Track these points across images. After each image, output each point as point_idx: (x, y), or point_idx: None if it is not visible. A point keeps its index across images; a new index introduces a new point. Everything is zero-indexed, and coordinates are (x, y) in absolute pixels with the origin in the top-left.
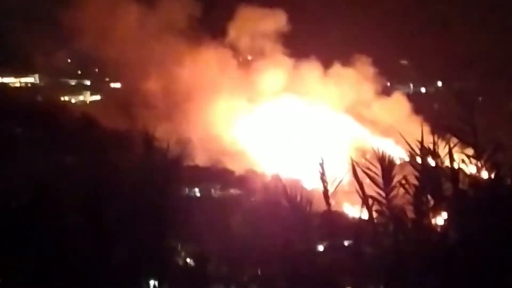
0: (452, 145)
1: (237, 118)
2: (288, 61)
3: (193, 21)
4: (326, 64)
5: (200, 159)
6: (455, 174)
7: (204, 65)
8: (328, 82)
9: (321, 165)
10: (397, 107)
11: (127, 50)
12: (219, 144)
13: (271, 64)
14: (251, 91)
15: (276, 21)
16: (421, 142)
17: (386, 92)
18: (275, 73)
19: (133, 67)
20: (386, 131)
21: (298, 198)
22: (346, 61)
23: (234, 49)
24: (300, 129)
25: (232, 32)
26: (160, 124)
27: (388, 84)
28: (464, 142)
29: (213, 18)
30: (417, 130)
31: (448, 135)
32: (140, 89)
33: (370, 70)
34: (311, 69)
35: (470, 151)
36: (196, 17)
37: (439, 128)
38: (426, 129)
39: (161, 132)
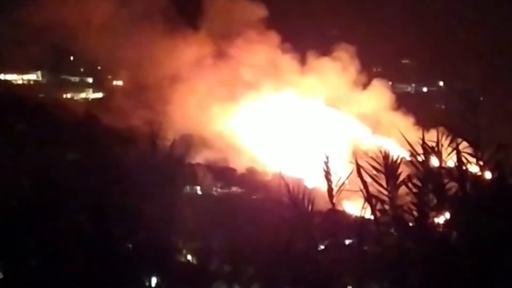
0: (455, 144)
1: (236, 115)
2: (270, 53)
3: (171, 12)
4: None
5: (202, 157)
6: (460, 173)
7: (183, 57)
8: (305, 73)
9: (326, 163)
10: (375, 99)
11: (104, 43)
12: (220, 141)
13: (257, 56)
14: (240, 85)
15: (254, 12)
16: (423, 141)
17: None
18: (260, 65)
19: (112, 60)
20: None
21: (300, 196)
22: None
23: (212, 40)
24: (301, 127)
25: (206, 23)
26: (162, 121)
27: (390, 83)
28: (467, 141)
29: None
30: (399, 122)
31: (451, 135)
32: (136, 85)
33: (352, 60)
34: (291, 62)
35: (472, 150)
36: (174, 8)
37: (442, 127)
38: (411, 121)
39: (163, 129)
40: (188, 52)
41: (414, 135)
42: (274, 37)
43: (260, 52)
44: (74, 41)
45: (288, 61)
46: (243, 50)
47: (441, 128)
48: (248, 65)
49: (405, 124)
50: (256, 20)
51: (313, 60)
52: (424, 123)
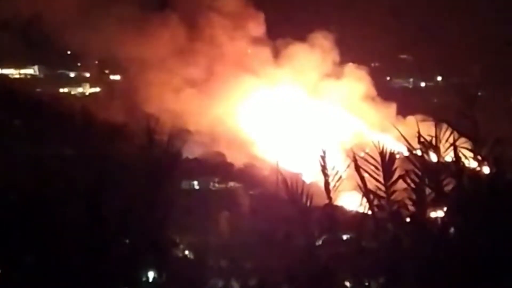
0: (453, 139)
1: (233, 109)
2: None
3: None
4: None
5: (199, 152)
6: (458, 168)
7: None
8: (280, 62)
9: (323, 157)
10: (350, 87)
11: (76, 30)
12: (217, 135)
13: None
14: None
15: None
16: (419, 135)
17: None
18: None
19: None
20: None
21: (299, 191)
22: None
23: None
24: (298, 121)
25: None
26: (158, 115)
27: (388, 78)
28: (465, 136)
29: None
30: (380, 112)
31: (449, 129)
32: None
33: (331, 47)
34: (265, 51)
35: (470, 145)
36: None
37: (440, 122)
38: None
39: (160, 124)
40: (169, 41)
41: (396, 124)
42: (254, 27)
43: (240, 42)
44: (44, 30)
45: (265, 50)
46: (226, 41)
47: (439, 123)
48: (232, 56)
49: (386, 113)
50: (235, 8)
51: (289, 48)
52: (422, 118)
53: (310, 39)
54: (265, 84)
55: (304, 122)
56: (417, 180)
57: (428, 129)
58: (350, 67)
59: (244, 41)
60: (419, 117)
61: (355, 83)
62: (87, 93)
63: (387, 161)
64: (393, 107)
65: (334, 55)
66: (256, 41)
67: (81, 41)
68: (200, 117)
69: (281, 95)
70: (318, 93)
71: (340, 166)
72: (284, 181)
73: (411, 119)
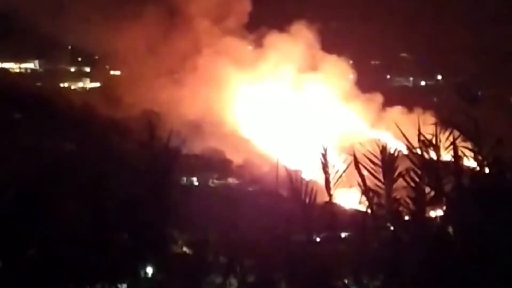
0: (452, 138)
1: (235, 104)
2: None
3: None
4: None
5: (198, 148)
6: (457, 167)
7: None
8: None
9: (324, 155)
10: (331, 80)
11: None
12: (217, 132)
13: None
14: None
15: None
16: (419, 134)
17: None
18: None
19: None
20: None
21: (303, 188)
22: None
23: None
24: (298, 118)
25: None
26: (159, 111)
27: (388, 76)
28: (465, 136)
29: None
30: (359, 106)
31: (449, 128)
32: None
33: (314, 38)
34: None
35: (471, 145)
36: None
37: (441, 121)
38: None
39: (161, 119)
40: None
41: (381, 117)
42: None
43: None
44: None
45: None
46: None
47: (439, 122)
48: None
49: (371, 107)
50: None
51: (275, 38)
52: (422, 117)
53: (294, 30)
54: (254, 77)
55: (296, 117)
56: (416, 178)
57: (413, 122)
58: (333, 59)
59: (235, 31)
60: (399, 108)
61: (339, 76)
62: (87, 88)
63: (387, 159)
64: (378, 100)
65: (317, 47)
66: (246, 31)
67: (58, 31)
68: (185, 109)
69: (269, 89)
70: (308, 86)
71: (339, 163)
72: (289, 177)
73: (390, 111)
